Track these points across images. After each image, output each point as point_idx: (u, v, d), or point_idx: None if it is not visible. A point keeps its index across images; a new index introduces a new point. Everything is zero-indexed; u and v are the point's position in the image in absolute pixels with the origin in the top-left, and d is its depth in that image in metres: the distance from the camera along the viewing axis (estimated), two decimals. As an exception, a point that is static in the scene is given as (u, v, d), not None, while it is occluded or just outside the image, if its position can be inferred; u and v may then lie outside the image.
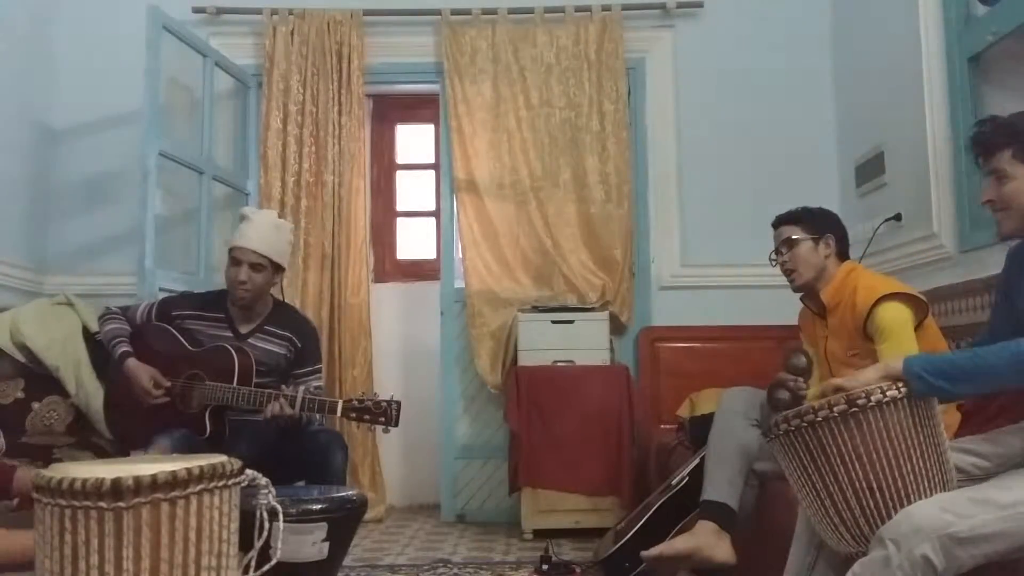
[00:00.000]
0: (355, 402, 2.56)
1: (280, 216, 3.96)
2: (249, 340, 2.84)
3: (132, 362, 2.75)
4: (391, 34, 4.20)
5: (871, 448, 1.49)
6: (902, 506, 1.47)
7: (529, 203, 4.02)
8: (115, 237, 4.02)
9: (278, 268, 2.88)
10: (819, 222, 2.50)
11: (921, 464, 1.50)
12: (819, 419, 1.51)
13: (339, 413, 2.56)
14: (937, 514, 1.41)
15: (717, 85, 4.15)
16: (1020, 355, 1.47)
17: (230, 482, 1.47)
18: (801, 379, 2.25)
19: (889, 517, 1.47)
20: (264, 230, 2.83)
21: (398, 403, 2.55)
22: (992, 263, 2.72)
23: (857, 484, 1.49)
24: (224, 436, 2.74)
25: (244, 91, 4.21)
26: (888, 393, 1.50)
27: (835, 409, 1.50)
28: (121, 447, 3.00)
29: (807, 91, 4.13)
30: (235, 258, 2.80)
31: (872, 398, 1.49)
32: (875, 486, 1.49)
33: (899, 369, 1.53)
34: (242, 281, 2.78)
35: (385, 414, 2.53)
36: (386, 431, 2.56)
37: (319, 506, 2.14)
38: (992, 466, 1.63)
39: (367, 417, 2.54)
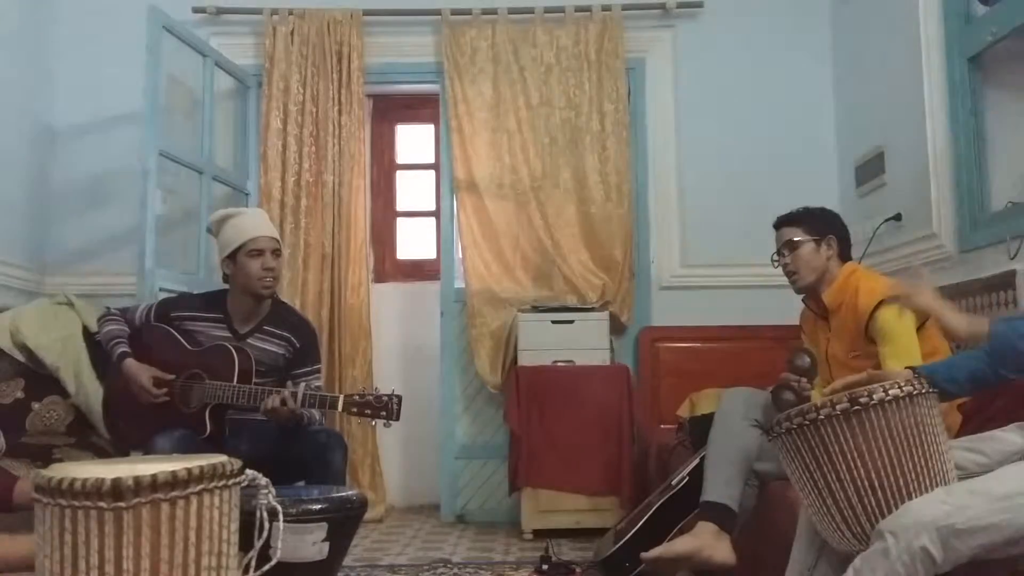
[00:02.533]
0: (356, 397, 2.56)
1: (280, 217, 3.97)
2: (248, 340, 2.83)
3: (130, 362, 2.75)
4: (391, 34, 4.20)
5: (873, 446, 1.49)
6: (903, 504, 1.47)
7: (529, 203, 4.02)
8: (115, 237, 4.02)
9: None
10: (821, 223, 2.50)
11: (923, 463, 1.50)
12: (821, 417, 1.51)
13: (340, 408, 2.56)
14: (935, 505, 1.41)
15: (717, 85, 4.15)
16: None
17: (230, 482, 1.48)
18: (805, 379, 2.25)
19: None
20: (262, 218, 2.90)
21: (399, 397, 2.54)
22: (992, 263, 2.73)
23: (859, 482, 1.50)
24: (224, 435, 2.73)
25: (244, 91, 4.21)
26: (891, 392, 1.50)
27: (837, 407, 1.50)
28: (120, 447, 3.00)
29: (807, 91, 4.13)
30: (255, 250, 2.76)
31: (875, 396, 1.49)
32: (877, 484, 1.49)
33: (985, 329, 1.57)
34: (270, 268, 2.78)
35: (386, 408, 2.52)
36: (387, 425, 2.56)
37: (319, 506, 2.13)
38: (993, 463, 1.63)
39: (368, 412, 2.53)
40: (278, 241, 2.84)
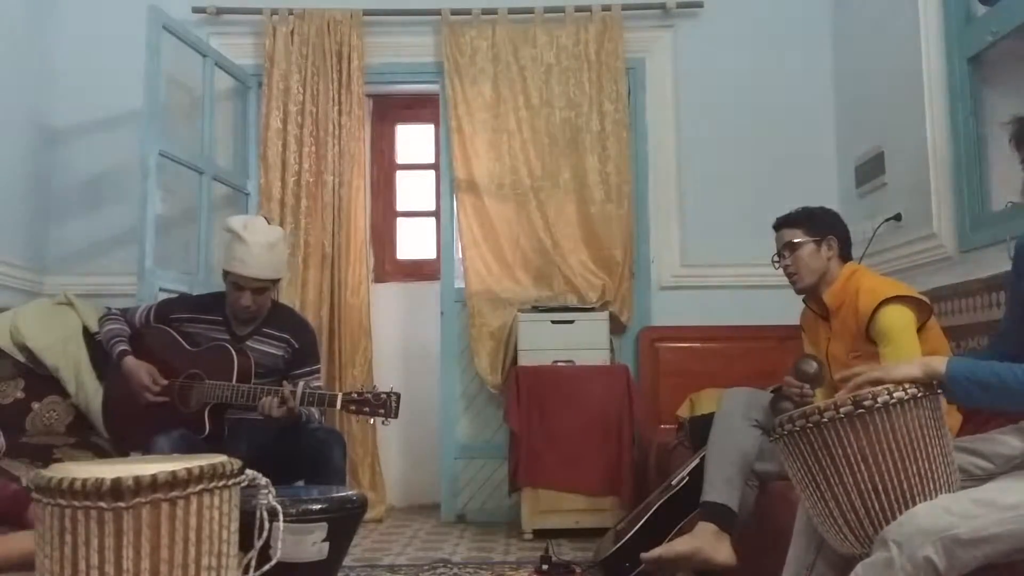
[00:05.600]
0: (354, 395, 2.56)
1: (280, 217, 3.96)
2: (247, 342, 2.84)
3: (130, 360, 2.76)
4: (391, 34, 4.20)
5: (877, 450, 1.49)
6: (907, 508, 1.47)
7: (529, 203, 4.02)
8: (115, 237, 4.02)
9: (278, 280, 2.89)
10: (821, 223, 2.49)
11: (927, 466, 1.49)
12: (825, 420, 1.51)
13: (339, 406, 2.56)
14: (940, 515, 1.41)
15: (717, 85, 4.15)
16: None
17: (230, 482, 1.48)
18: (808, 386, 2.24)
19: (894, 518, 1.46)
20: (260, 252, 2.73)
21: (397, 395, 2.54)
22: (992, 263, 2.73)
23: (862, 485, 1.49)
24: (223, 435, 2.74)
25: (244, 91, 4.21)
26: (895, 395, 1.49)
27: (841, 410, 1.50)
28: (119, 447, 3.00)
29: (807, 91, 4.13)
30: (236, 284, 2.76)
31: (879, 400, 1.49)
32: (880, 488, 1.48)
33: (941, 372, 1.53)
34: (246, 306, 2.77)
35: (384, 406, 2.53)
36: (385, 423, 2.56)
37: (319, 506, 2.13)
38: (994, 467, 1.63)
39: (367, 409, 2.53)
40: (264, 281, 2.77)
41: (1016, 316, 1.76)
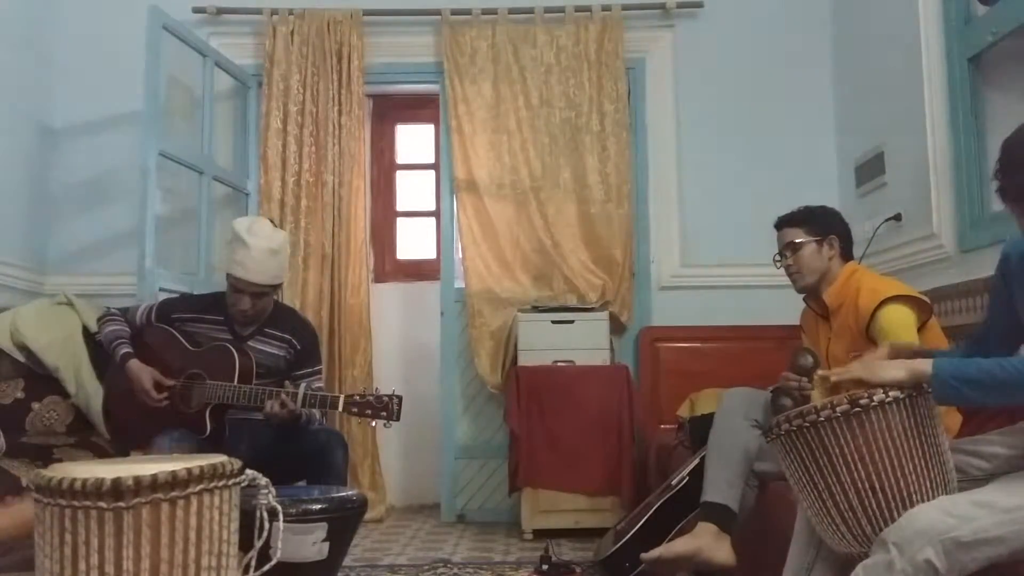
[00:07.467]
0: (356, 397, 2.56)
1: (280, 217, 3.96)
2: (248, 343, 2.84)
3: (134, 363, 2.76)
4: (391, 34, 4.20)
5: (873, 448, 1.49)
6: (904, 506, 1.47)
7: (529, 203, 4.02)
8: (115, 237, 4.02)
9: (279, 285, 2.88)
10: (822, 223, 2.49)
11: (923, 464, 1.50)
12: (821, 419, 1.51)
13: (340, 408, 2.56)
14: (940, 517, 1.41)
15: (717, 85, 4.15)
16: None
17: (230, 482, 1.48)
18: (806, 379, 2.25)
19: (891, 517, 1.47)
20: (262, 259, 2.72)
21: (399, 397, 2.54)
22: (992, 263, 2.72)
23: (859, 484, 1.50)
24: (224, 435, 2.74)
25: (244, 91, 4.21)
26: (891, 393, 1.50)
27: (838, 409, 1.50)
28: (120, 447, 3.00)
29: (807, 91, 4.13)
30: (235, 287, 2.76)
31: (875, 398, 1.49)
32: (877, 486, 1.49)
33: (928, 374, 1.52)
34: (243, 310, 2.77)
35: (387, 408, 2.53)
36: (387, 425, 2.56)
37: (319, 506, 2.14)
38: (992, 467, 1.63)
39: (368, 412, 2.54)
40: (264, 287, 2.76)
41: (998, 322, 1.76)
